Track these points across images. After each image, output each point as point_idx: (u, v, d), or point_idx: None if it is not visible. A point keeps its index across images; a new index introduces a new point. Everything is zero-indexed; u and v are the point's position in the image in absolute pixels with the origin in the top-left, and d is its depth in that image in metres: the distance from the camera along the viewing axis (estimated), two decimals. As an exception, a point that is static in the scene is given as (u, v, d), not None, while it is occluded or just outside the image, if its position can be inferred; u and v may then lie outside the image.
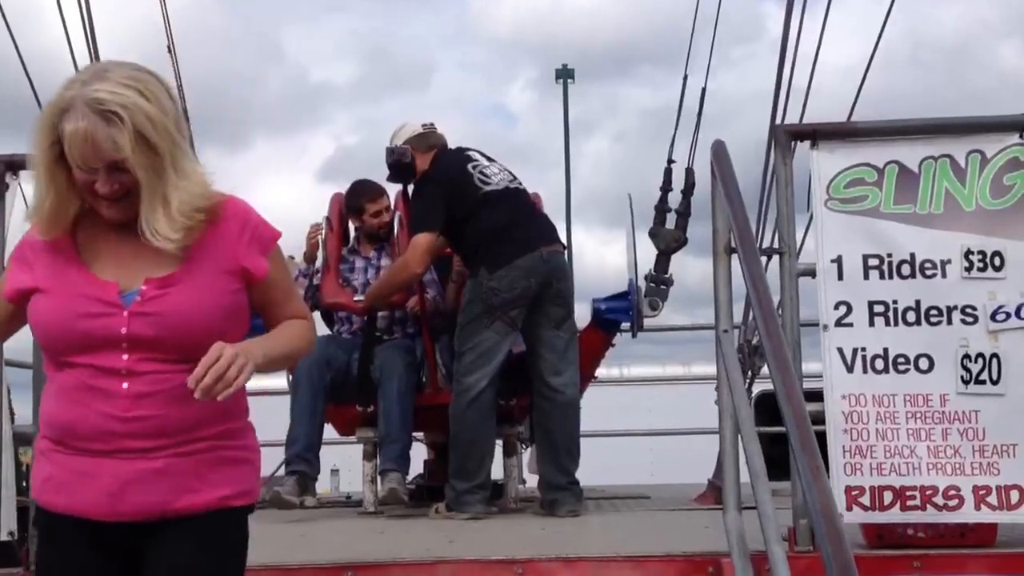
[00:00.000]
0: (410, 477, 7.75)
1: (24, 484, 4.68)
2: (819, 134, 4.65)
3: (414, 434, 7.86)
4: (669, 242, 8.06)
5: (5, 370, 4.83)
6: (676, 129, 8.48)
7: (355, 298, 7.57)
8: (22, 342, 3.64)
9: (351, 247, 8.01)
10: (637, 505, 7.78)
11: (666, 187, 8.20)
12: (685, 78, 8.67)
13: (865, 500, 4.47)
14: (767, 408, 8.62)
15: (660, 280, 7.96)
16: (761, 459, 3.92)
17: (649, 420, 13.53)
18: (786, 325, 4.53)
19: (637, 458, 13.51)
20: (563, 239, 7.21)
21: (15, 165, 4.73)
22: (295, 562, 4.55)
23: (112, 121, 2.68)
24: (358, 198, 7.88)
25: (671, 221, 8.12)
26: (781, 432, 8.44)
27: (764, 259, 4.64)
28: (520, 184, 7.13)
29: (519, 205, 7.02)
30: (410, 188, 7.32)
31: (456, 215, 6.83)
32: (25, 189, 5.52)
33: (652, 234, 8.13)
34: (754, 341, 8.00)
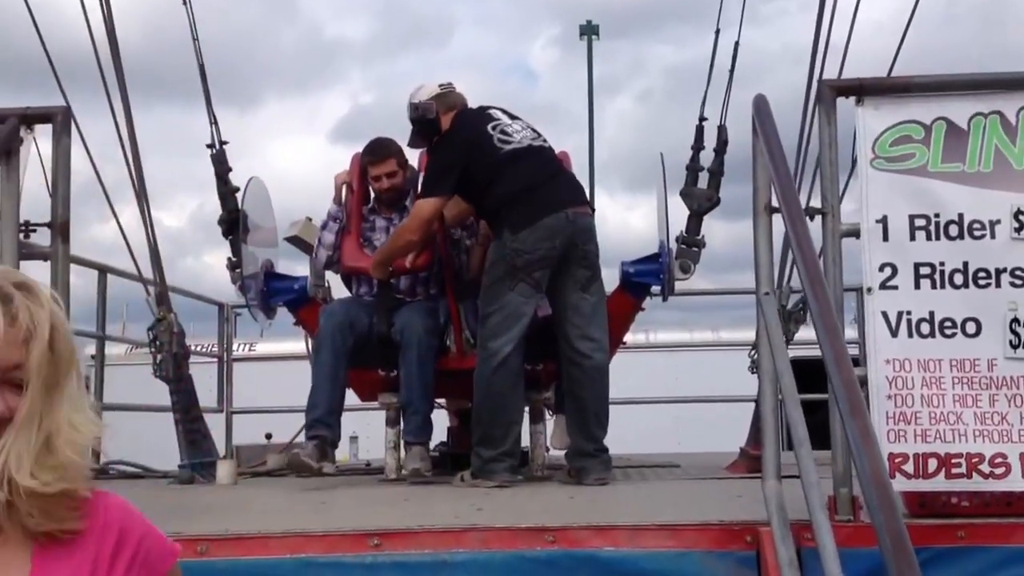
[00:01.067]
0: (433, 443, 7.78)
1: None
2: (865, 89, 4.55)
3: (438, 400, 7.88)
4: (702, 202, 8.05)
5: None
6: (708, 85, 8.42)
7: None
8: None
9: (371, 207, 7.93)
10: (667, 474, 7.75)
11: (698, 145, 8.17)
12: (717, 32, 8.60)
13: (909, 468, 4.40)
14: (797, 375, 8.58)
15: (692, 242, 7.96)
16: (804, 427, 3.88)
17: (676, 387, 13.51)
18: (829, 288, 4.46)
19: (664, 426, 13.49)
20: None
21: (29, 119, 4.69)
22: (319, 529, 4.51)
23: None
24: (364, 159, 7.78)
25: (703, 180, 8.10)
26: (814, 400, 8.59)
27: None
28: (545, 142, 7.06)
29: (543, 163, 6.94)
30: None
31: (477, 177, 6.80)
32: (40, 144, 5.52)
33: (684, 194, 8.08)
34: (788, 306, 7.97)
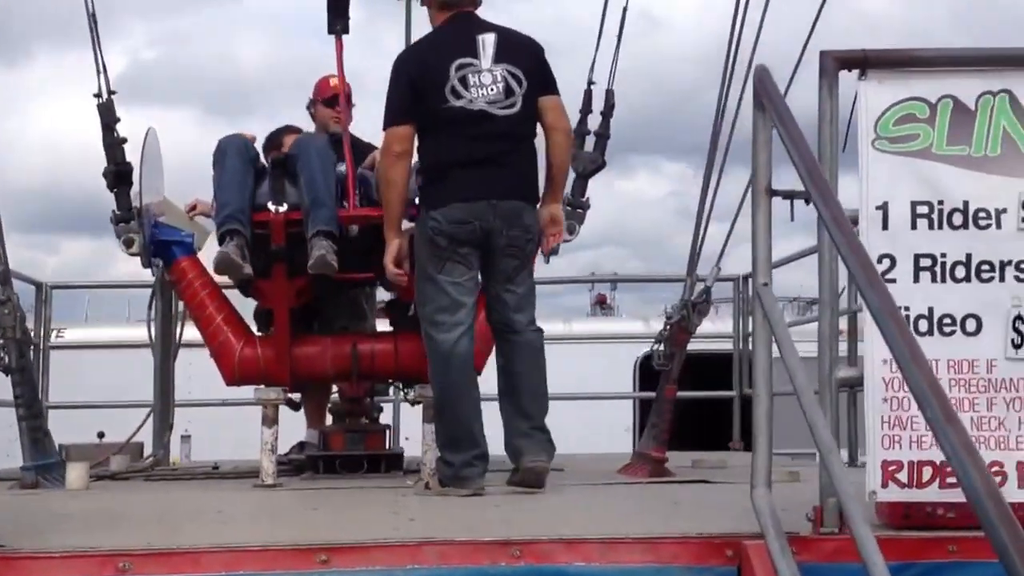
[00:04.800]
0: (285, 450, 7.86)
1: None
2: (870, 62, 4.42)
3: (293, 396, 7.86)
4: (587, 164, 8.23)
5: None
6: (597, 50, 8.55)
7: None
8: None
9: None
10: (557, 478, 7.63)
11: (586, 110, 8.39)
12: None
13: (902, 476, 4.33)
14: (694, 371, 8.59)
15: (577, 204, 8.09)
16: (829, 431, 3.80)
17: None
18: (824, 281, 4.39)
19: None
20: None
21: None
22: (256, 542, 4.25)
23: None
24: (279, 135, 8.46)
25: (589, 144, 8.29)
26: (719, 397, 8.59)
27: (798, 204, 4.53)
28: (514, 106, 6.49)
29: (493, 138, 6.46)
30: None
31: (419, 122, 6.48)
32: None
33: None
34: (692, 297, 7.98)
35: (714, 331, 8.25)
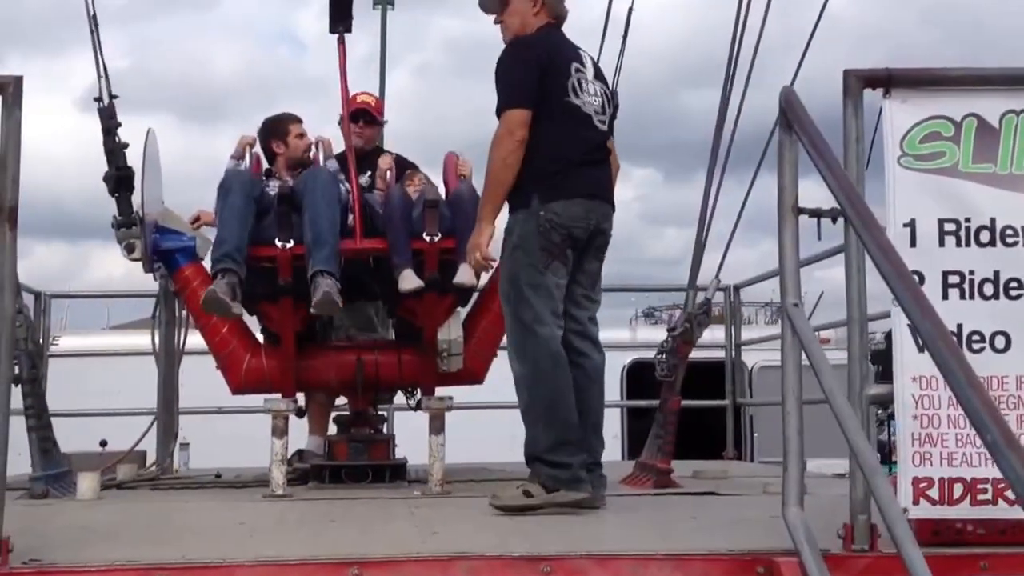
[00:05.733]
0: (290, 453, 7.73)
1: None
2: (894, 80, 4.42)
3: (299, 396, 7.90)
4: None
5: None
6: (600, 51, 8.71)
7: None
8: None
9: (267, 169, 8.33)
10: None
11: None
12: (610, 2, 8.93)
13: (934, 493, 4.30)
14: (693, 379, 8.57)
15: None
16: (873, 454, 3.78)
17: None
18: (852, 300, 4.38)
19: (494, 432, 13.27)
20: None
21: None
22: (292, 557, 4.23)
23: None
24: (282, 123, 8.32)
25: None
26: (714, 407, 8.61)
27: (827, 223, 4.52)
28: (607, 128, 6.44)
29: (599, 144, 6.34)
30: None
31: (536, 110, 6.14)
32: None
33: None
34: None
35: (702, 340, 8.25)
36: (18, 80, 4.24)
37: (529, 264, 6.03)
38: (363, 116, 8.48)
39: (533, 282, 6.02)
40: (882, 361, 4.50)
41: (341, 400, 8.61)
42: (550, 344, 5.98)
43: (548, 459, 5.91)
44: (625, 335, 15.50)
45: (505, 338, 6.30)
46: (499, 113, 6.10)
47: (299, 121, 8.38)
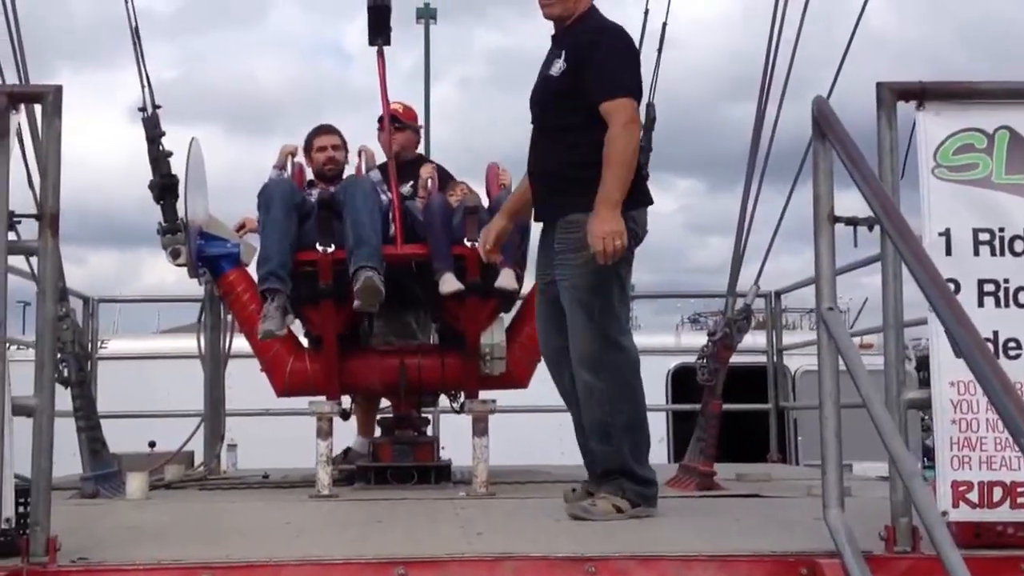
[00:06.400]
0: (336, 451, 7.93)
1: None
2: (927, 93, 4.47)
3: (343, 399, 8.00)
4: None
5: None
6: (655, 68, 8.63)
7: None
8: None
9: (310, 180, 8.47)
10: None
11: None
12: (647, 13, 8.86)
13: (973, 496, 4.34)
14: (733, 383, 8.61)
15: None
16: (912, 460, 3.82)
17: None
18: (888, 306, 4.42)
19: (544, 436, 13.34)
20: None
21: (16, 98, 4.37)
22: (338, 557, 4.31)
23: None
24: (310, 137, 8.49)
25: None
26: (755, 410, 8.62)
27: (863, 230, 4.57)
28: None
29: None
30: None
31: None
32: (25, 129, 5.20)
33: None
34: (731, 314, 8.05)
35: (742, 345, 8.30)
36: (57, 90, 4.34)
37: (617, 274, 5.79)
38: (392, 121, 8.53)
39: (621, 293, 5.86)
40: (928, 367, 4.53)
41: (386, 402, 8.70)
42: (633, 356, 5.87)
43: (638, 475, 5.81)
44: (670, 340, 15.57)
45: (573, 348, 5.86)
46: (610, 97, 5.78)
47: (328, 132, 8.53)
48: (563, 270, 5.84)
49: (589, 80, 5.82)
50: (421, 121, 9.43)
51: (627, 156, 5.70)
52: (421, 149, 9.51)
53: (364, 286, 7.11)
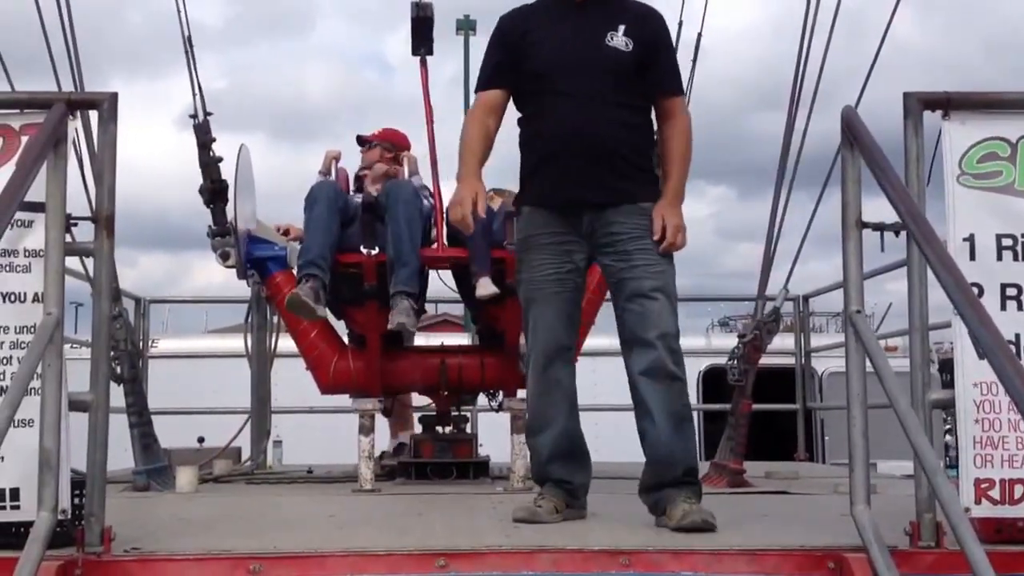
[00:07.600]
0: (380, 449, 8.16)
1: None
2: (952, 103, 4.51)
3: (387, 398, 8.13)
4: None
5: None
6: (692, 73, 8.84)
7: None
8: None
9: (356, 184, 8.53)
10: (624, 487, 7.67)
11: None
12: (680, 24, 8.89)
13: (995, 493, 4.37)
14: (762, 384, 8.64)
15: None
16: (935, 456, 3.86)
17: (595, 394, 13.43)
18: (914, 308, 4.45)
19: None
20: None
21: (74, 105, 4.45)
22: (380, 548, 4.36)
23: None
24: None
25: None
26: (783, 410, 8.60)
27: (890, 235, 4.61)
28: None
29: None
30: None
31: None
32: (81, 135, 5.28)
33: None
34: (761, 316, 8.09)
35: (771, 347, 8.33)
36: (113, 96, 4.42)
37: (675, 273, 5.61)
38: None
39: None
40: (951, 369, 4.56)
41: (422, 400, 8.78)
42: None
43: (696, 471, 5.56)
44: (701, 342, 15.59)
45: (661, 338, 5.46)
46: (681, 90, 5.76)
47: (371, 149, 8.71)
48: (644, 255, 5.42)
49: (662, 67, 5.62)
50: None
51: (690, 150, 5.63)
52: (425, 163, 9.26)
53: (399, 310, 7.27)
